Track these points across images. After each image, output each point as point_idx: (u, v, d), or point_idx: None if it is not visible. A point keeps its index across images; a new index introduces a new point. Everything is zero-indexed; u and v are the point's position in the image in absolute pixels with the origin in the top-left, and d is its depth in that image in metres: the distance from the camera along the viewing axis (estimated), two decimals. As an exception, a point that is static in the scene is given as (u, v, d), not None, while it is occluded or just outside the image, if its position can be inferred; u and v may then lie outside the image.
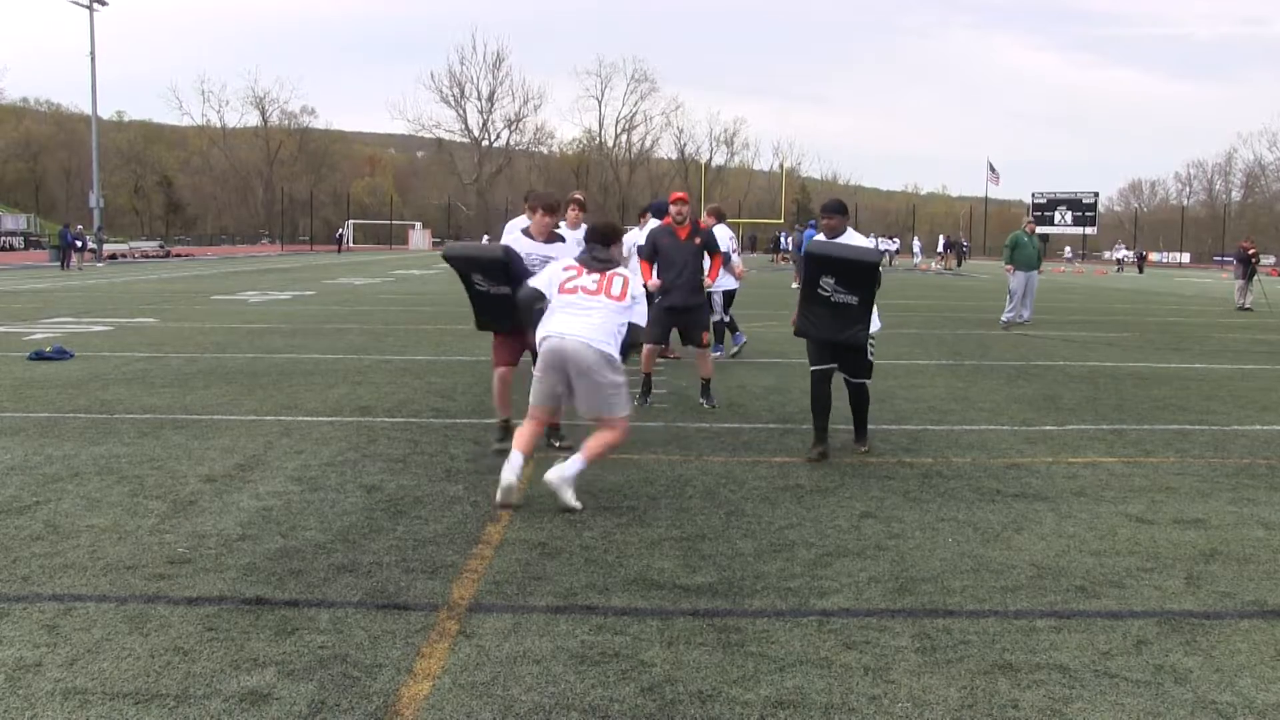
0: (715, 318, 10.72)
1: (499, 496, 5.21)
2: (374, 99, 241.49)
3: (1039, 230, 34.10)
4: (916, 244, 60.83)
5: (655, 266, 8.19)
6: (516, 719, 3.02)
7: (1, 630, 3.58)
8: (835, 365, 6.54)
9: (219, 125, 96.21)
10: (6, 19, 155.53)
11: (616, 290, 5.36)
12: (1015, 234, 17.19)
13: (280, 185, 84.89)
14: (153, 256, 49.63)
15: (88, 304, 18.55)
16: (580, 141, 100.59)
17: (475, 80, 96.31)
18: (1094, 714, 3.10)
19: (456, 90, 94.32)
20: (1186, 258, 73.90)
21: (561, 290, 5.39)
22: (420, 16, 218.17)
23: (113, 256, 45.03)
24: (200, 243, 76.09)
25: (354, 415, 7.74)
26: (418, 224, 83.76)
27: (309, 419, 7.57)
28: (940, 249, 57.77)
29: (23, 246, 52.38)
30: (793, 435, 7.20)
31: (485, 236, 56.66)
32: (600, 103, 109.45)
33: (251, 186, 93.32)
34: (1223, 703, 3.19)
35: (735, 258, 11.02)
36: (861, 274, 6.19)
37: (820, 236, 6.63)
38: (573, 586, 4.11)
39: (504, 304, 6.22)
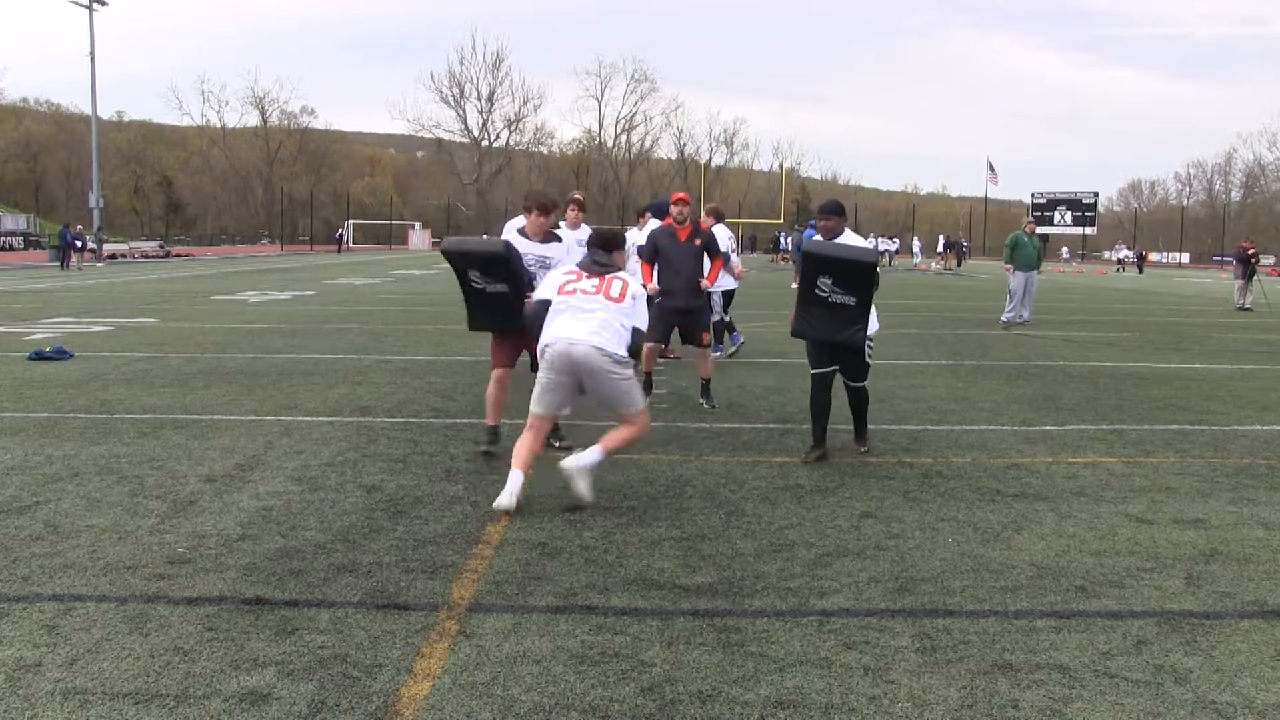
0: (715, 318, 10.72)
1: (496, 507, 5.18)
2: (374, 99, 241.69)
3: (1039, 230, 34.09)
4: (916, 244, 60.86)
5: (656, 268, 8.19)
6: (516, 719, 3.02)
7: (1, 630, 3.58)
8: (835, 368, 6.52)
9: (219, 125, 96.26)
10: (6, 19, 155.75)
11: (615, 292, 5.36)
12: (1015, 234, 17.21)
13: (280, 185, 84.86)
14: (152, 256, 49.63)
15: (88, 304, 18.55)
16: (580, 141, 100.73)
17: (475, 80, 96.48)
18: (1094, 714, 3.10)
19: (456, 90, 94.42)
20: (1186, 258, 73.90)
21: (561, 292, 5.39)
22: (420, 16, 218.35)
23: (112, 256, 45.03)
24: (200, 243, 76.11)
25: (354, 415, 7.74)
26: (417, 224, 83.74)
27: (309, 419, 7.57)
28: (940, 249, 57.77)
29: (23, 246, 52.37)
30: (793, 435, 7.20)
31: (484, 236, 56.57)
32: (600, 103, 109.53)
33: (251, 186, 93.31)
34: (1223, 703, 3.19)
35: (734, 258, 11.03)
36: (859, 274, 6.16)
37: (819, 238, 6.63)
38: (573, 586, 4.11)
39: (499, 302, 6.13)
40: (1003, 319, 16.54)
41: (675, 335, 8.84)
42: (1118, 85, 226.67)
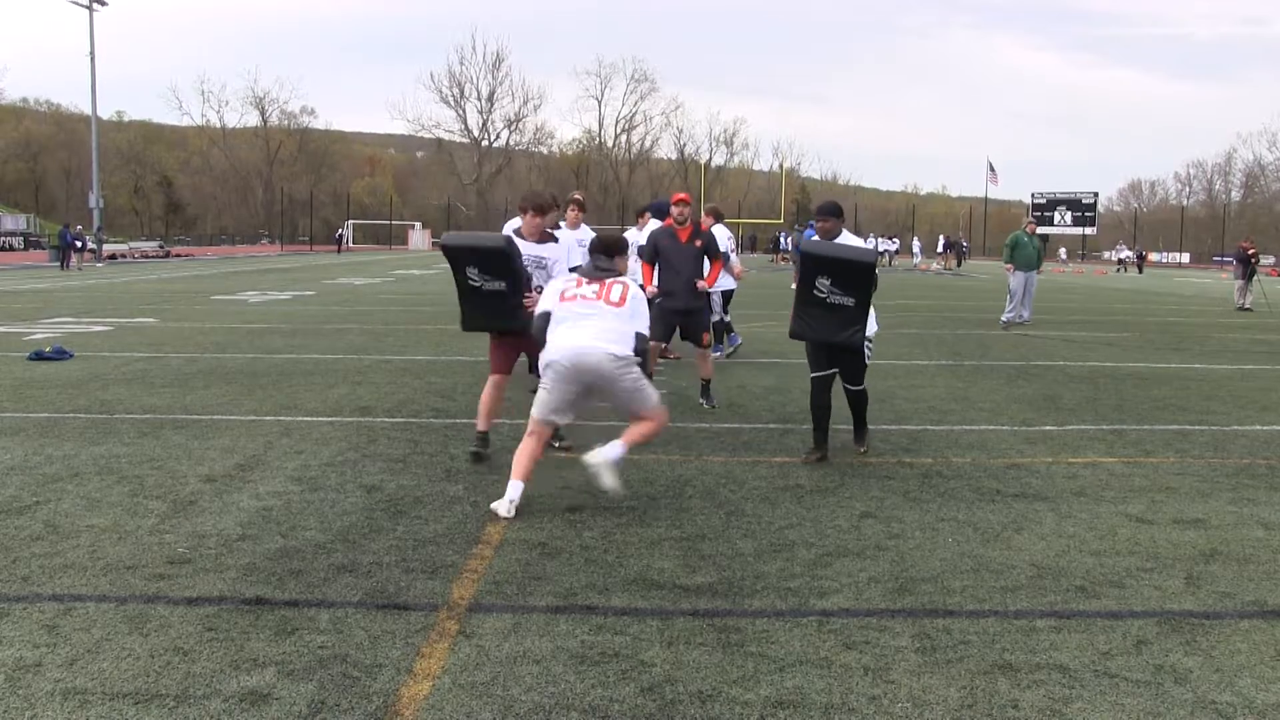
0: (715, 318, 10.72)
1: (493, 510, 5.17)
2: (374, 99, 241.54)
3: (1039, 230, 34.10)
4: (916, 244, 60.87)
5: (656, 268, 8.19)
6: (516, 719, 3.02)
7: (1, 630, 3.58)
8: (835, 370, 6.51)
9: (219, 125, 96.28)
10: (6, 19, 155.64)
11: (615, 296, 5.36)
12: (1015, 234, 17.22)
13: (280, 185, 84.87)
14: (152, 257, 49.63)
15: (88, 304, 18.55)
16: (580, 142, 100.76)
17: (475, 80, 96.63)
18: (1094, 714, 3.10)
19: (456, 90, 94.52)
20: (1186, 258, 73.92)
21: (562, 299, 5.38)
22: (420, 17, 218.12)
23: (112, 257, 45.03)
24: (200, 243, 76.11)
25: (354, 415, 7.74)
26: (417, 224, 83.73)
27: (309, 419, 7.57)
28: (940, 249, 57.78)
29: (22, 247, 52.36)
30: (793, 435, 7.20)
31: (484, 236, 56.51)
32: (600, 103, 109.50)
33: (251, 187, 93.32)
34: (1223, 703, 3.19)
35: (733, 258, 11.04)
36: (858, 275, 6.14)
37: (817, 238, 6.63)
38: (573, 586, 4.11)
39: (496, 301, 6.06)
40: (1003, 319, 16.54)
41: (675, 336, 8.85)
42: (1118, 85, 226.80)
